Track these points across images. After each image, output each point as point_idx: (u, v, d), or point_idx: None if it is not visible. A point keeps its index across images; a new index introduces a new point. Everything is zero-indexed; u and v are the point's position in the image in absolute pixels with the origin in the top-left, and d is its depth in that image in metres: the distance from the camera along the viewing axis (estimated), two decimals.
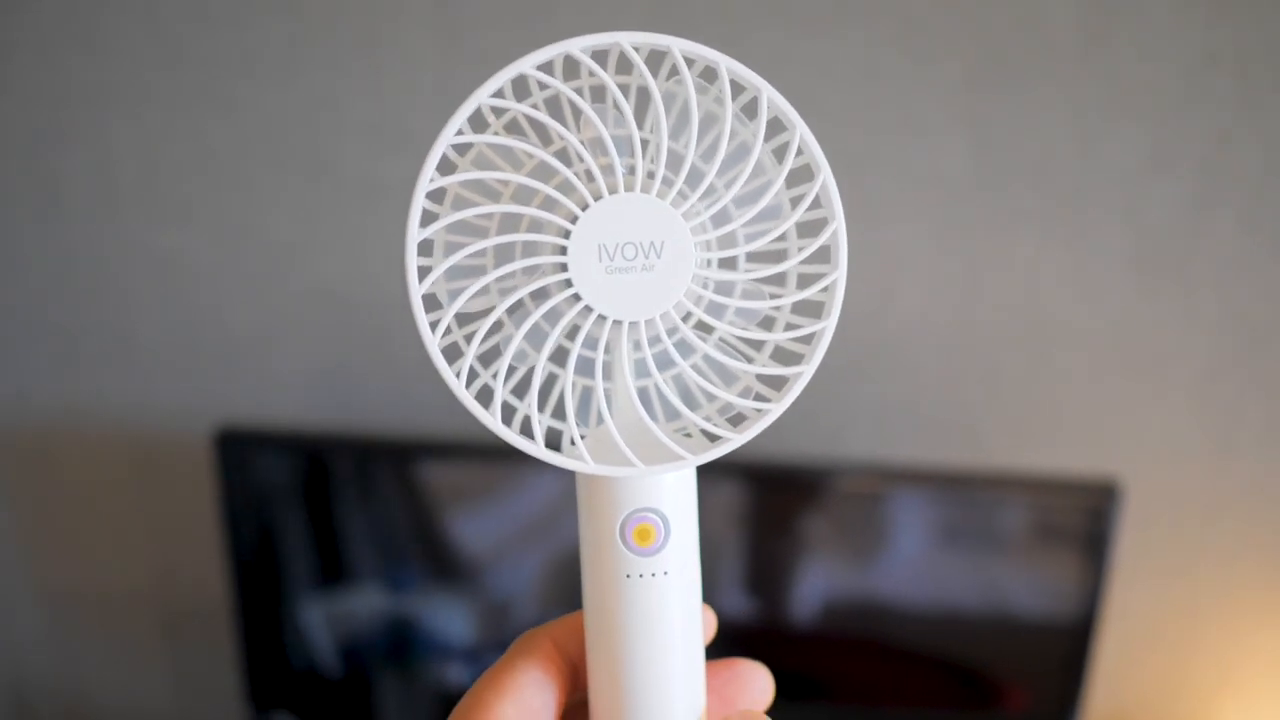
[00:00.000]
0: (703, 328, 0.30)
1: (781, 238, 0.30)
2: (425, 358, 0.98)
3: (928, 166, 0.97)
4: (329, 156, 1.05)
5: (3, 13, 1.04)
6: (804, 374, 0.29)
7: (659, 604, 0.32)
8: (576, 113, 0.29)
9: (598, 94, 0.29)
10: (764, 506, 0.99)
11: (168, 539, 1.22)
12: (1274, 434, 1.02)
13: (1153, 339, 1.00)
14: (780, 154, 0.29)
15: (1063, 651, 0.98)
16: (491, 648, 1.06)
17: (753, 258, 0.30)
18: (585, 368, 0.31)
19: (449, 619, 1.06)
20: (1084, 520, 0.94)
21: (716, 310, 0.30)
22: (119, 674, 1.30)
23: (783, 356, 0.30)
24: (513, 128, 0.29)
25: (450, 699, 1.07)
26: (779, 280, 0.30)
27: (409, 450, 1.03)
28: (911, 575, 0.98)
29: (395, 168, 1.04)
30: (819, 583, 1.00)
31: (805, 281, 0.30)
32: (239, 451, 1.04)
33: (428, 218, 0.29)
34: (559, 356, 0.30)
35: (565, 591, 1.03)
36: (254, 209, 1.08)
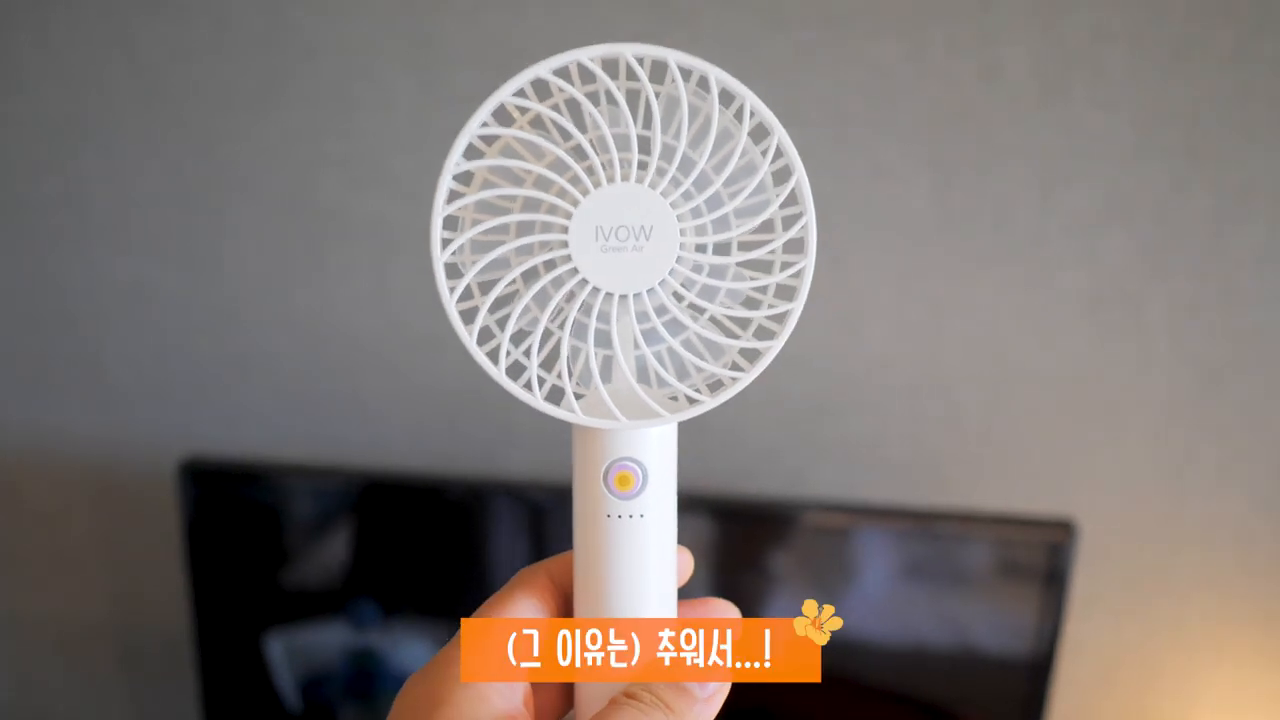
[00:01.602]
0: (695, 308, 0.35)
1: (768, 227, 0.34)
2: (395, 391, 1.03)
3: (891, 210, 1.00)
4: (302, 190, 1.06)
5: None
6: (773, 348, 0.34)
7: (636, 542, 0.36)
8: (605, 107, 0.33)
9: (630, 96, 0.33)
10: (731, 542, 1.01)
11: (131, 570, 1.22)
12: (1227, 474, 1.04)
13: (1109, 381, 1.03)
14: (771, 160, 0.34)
15: (1023, 687, 0.99)
16: None
17: (740, 246, 0.34)
18: (602, 338, 0.35)
19: (414, 654, 1.07)
20: (1042, 558, 0.96)
21: (707, 292, 0.35)
22: (79, 705, 1.29)
23: (760, 334, 0.34)
24: (537, 124, 0.33)
25: None
26: (766, 267, 0.35)
27: (375, 484, 1.04)
28: (875, 611, 1.00)
29: (367, 203, 1.05)
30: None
31: (785, 269, 0.34)
32: (204, 483, 1.04)
33: (454, 196, 0.33)
34: (575, 328, 0.35)
35: None
36: (225, 241, 1.09)
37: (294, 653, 1.07)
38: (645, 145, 0.33)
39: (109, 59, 1.05)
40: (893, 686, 1.03)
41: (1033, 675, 0.99)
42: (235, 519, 1.06)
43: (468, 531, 1.04)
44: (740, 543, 1.01)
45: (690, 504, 0.97)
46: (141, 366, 1.14)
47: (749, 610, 1.02)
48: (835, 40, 0.97)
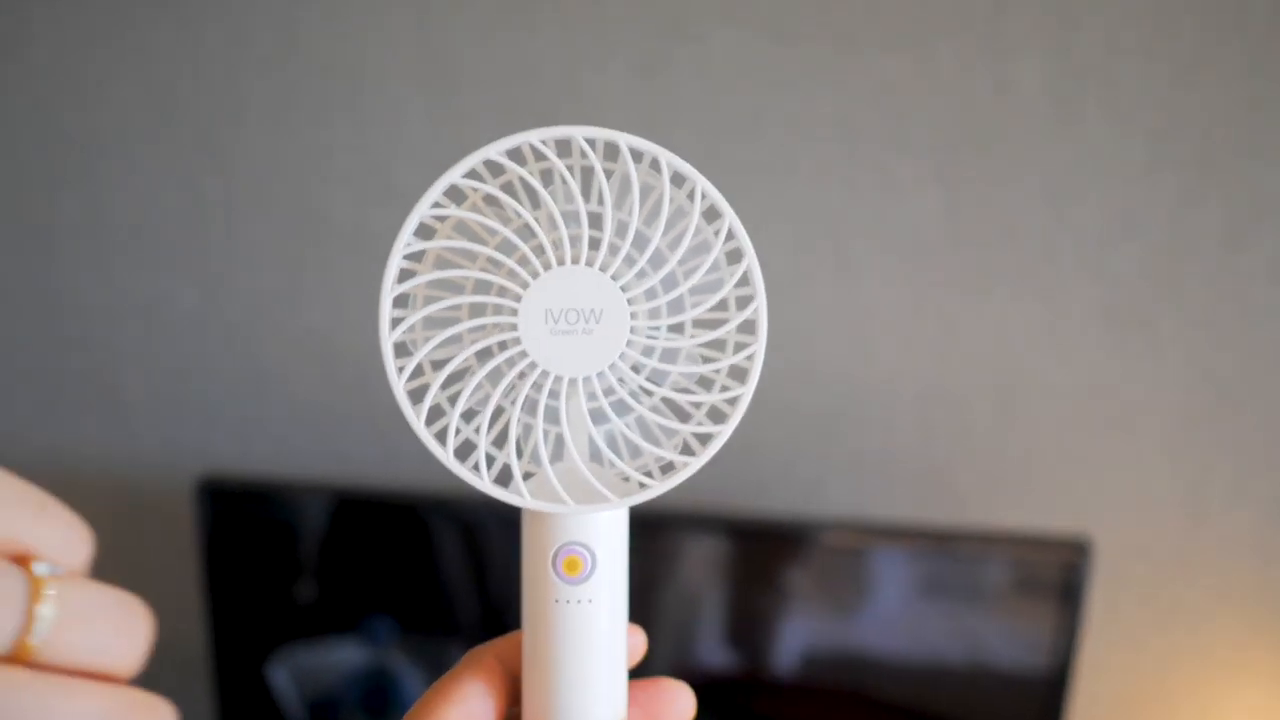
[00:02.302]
0: (645, 390, 0.34)
1: (722, 306, 0.34)
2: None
3: (903, 225, 1.00)
4: (316, 207, 1.07)
5: None
6: (724, 432, 0.33)
7: (584, 628, 0.35)
8: (557, 188, 0.33)
9: (585, 175, 0.33)
10: (745, 560, 1.01)
11: (148, 588, 1.18)
12: (1243, 490, 1.03)
13: (1123, 396, 1.02)
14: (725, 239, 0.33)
15: (1040, 705, 0.99)
16: None
17: (695, 324, 0.34)
18: (552, 416, 0.35)
19: (427, 672, 1.06)
20: (1057, 576, 0.95)
21: (659, 374, 0.34)
22: None
23: (714, 416, 0.34)
24: (491, 200, 0.33)
25: None
26: (720, 346, 0.34)
27: (391, 502, 1.04)
28: (891, 629, 1.00)
29: (380, 219, 1.06)
30: (800, 635, 1.01)
31: (739, 350, 0.34)
32: (222, 501, 1.04)
33: (406, 275, 0.33)
34: (526, 405, 0.34)
35: None
36: (241, 258, 1.09)
37: (309, 670, 1.07)
38: (598, 223, 0.33)
39: (126, 78, 1.06)
40: (909, 704, 1.03)
41: (1049, 694, 0.99)
42: (252, 537, 1.06)
43: (483, 549, 1.04)
44: (756, 561, 1.01)
45: (706, 522, 0.98)
46: (157, 384, 1.15)
47: (765, 628, 1.03)
48: (846, 56, 0.96)
